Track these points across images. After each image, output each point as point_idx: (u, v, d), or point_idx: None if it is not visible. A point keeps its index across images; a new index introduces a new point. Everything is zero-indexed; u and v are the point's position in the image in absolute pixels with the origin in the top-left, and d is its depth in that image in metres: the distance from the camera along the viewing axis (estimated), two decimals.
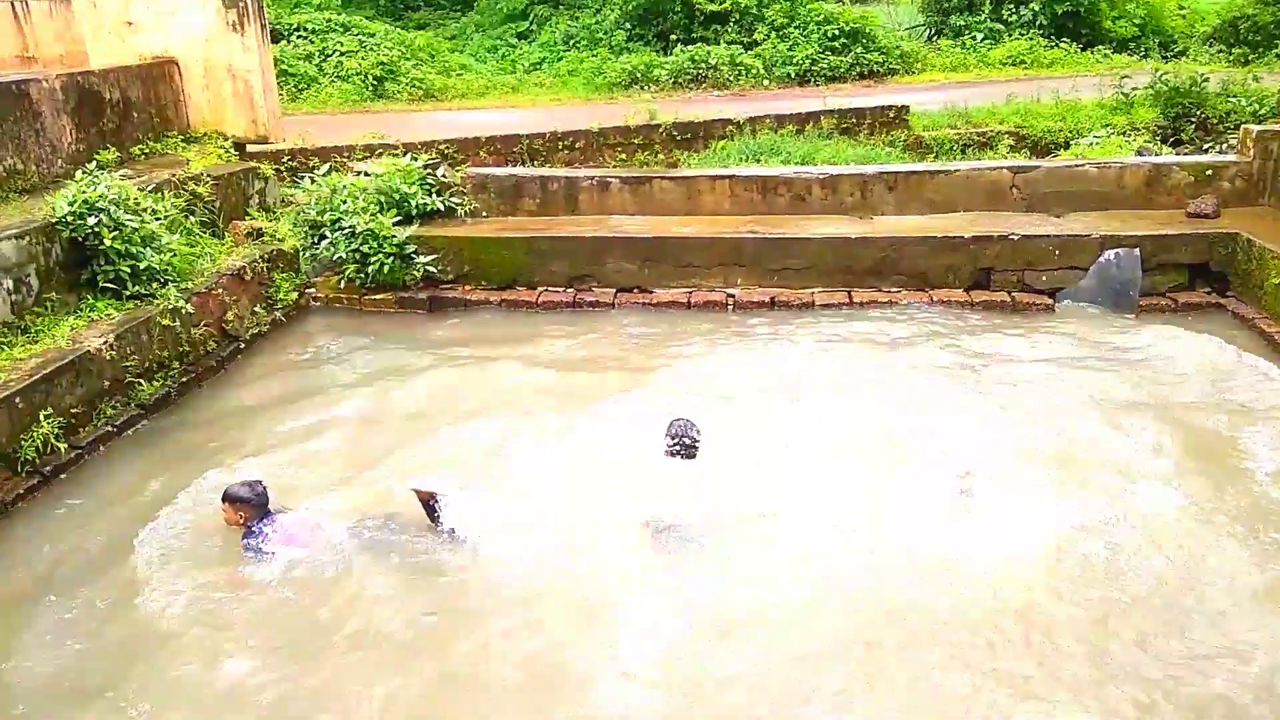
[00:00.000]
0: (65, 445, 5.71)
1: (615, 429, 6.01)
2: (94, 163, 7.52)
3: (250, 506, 4.99)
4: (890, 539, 4.84)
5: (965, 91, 15.98)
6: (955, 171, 8.97)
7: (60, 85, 7.76)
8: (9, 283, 6.15)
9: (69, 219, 6.49)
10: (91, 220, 6.52)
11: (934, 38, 22.62)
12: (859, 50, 19.58)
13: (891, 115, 13.79)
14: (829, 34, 19.68)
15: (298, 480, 5.61)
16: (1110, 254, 7.96)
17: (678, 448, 5.28)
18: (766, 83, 18.97)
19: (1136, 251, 7.90)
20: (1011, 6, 21.56)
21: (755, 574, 4.66)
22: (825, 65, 19.24)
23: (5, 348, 5.93)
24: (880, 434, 5.87)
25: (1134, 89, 14.05)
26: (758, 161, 11.51)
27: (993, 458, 5.49)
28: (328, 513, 5.17)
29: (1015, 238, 8.16)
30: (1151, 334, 7.36)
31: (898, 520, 4.97)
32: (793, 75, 19.15)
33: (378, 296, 8.68)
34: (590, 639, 4.30)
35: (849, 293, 8.36)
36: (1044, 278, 8.17)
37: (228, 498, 5.01)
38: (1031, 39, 20.68)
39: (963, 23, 21.87)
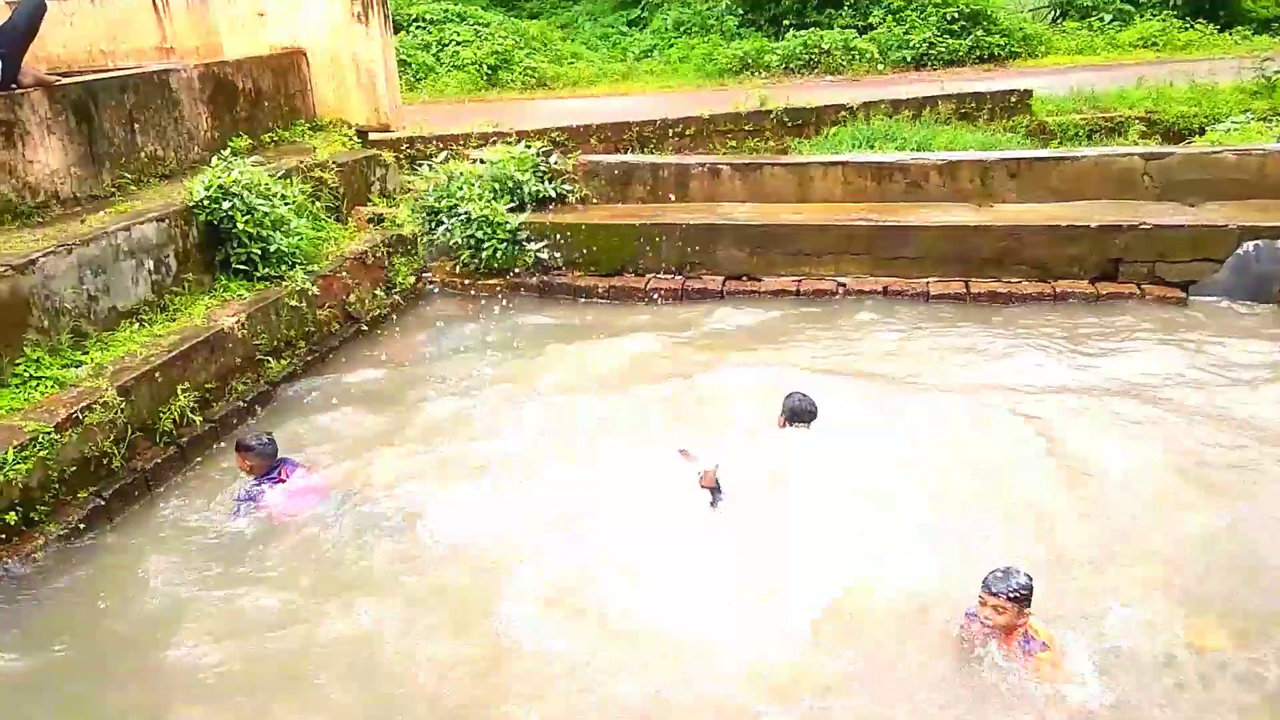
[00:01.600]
0: (200, 418, 6.02)
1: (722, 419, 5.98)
2: (228, 149, 7.88)
3: (255, 456, 5.33)
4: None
5: (1092, 75, 15.29)
6: (1082, 158, 8.59)
7: (198, 75, 8.15)
8: (150, 263, 6.51)
9: (205, 203, 6.83)
10: (226, 205, 6.84)
11: (1059, 20, 21.71)
12: (979, 33, 18.94)
13: (1013, 100, 13.32)
14: (947, 16, 19.08)
15: (412, 458, 5.79)
16: (1249, 245, 7.52)
17: (794, 417, 5.42)
18: (881, 67, 18.55)
19: (1278, 243, 7.44)
20: None
21: None
22: (943, 49, 18.69)
23: (146, 325, 6.28)
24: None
25: (1276, 72, 13.21)
26: (871, 148, 11.29)
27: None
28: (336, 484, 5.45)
29: (1146, 227, 7.78)
30: None
31: None
32: (908, 59, 18.67)
33: (490, 281, 8.86)
34: None
35: (966, 283, 8.13)
36: (1176, 270, 7.77)
37: (238, 446, 5.39)
38: (1164, 20, 19.66)
39: (1090, 3, 20.93)
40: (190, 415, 5.96)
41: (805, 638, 4.12)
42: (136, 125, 7.42)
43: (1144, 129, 12.59)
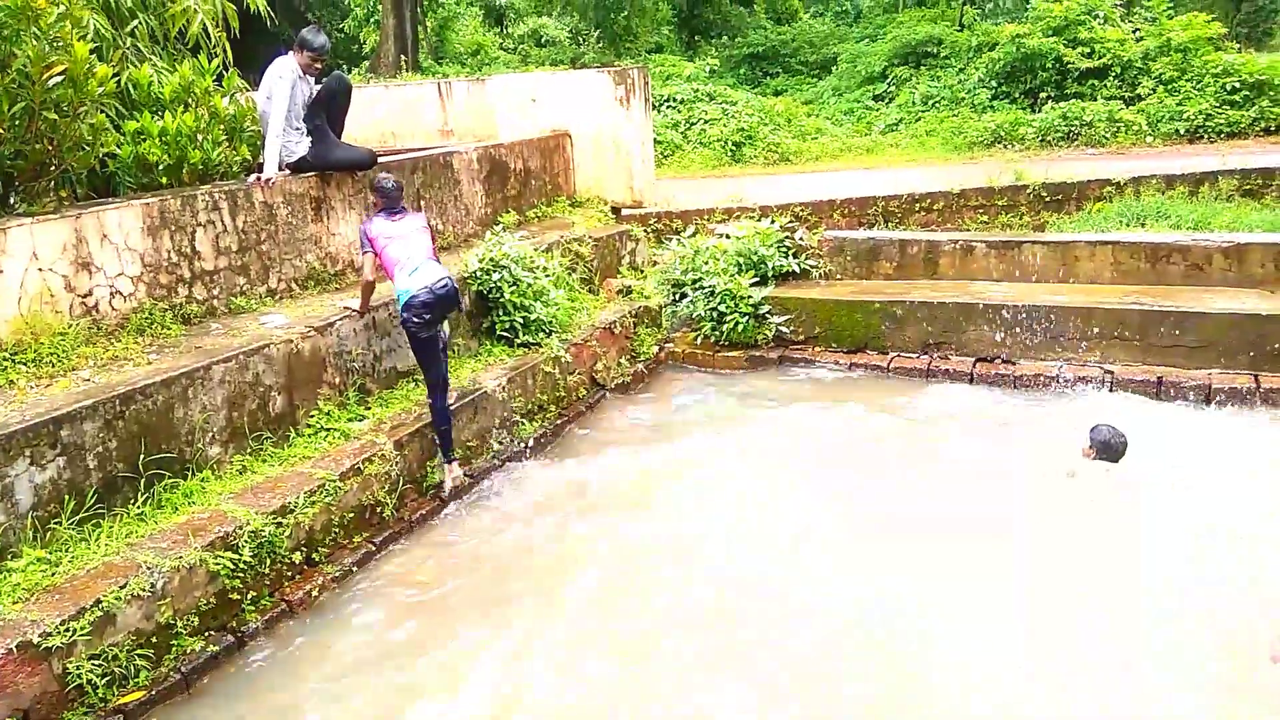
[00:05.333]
0: (463, 471, 6.44)
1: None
2: (498, 225, 8.52)
3: (379, 194, 6.19)
4: None
5: None
6: None
7: (477, 156, 8.90)
8: None
9: (478, 274, 7.39)
10: (495, 276, 7.38)
11: None
12: (1265, 103, 17.33)
13: None
14: (1228, 86, 17.63)
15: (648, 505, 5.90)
16: None
17: (1101, 450, 5.64)
18: (1150, 139, 17.35)
19: None
20: None
21: None
22: (1222, 120, 17.24)
23: (419, 385, 6.78)
24: None
25: None
26: (1141, 226, 10.52)
27: None
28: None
29: None
30: None
31: None
32: (1181, 131, 17.35)
33: (730, 354, 8.97)
34: None
35: (1255, 376, 7.34)
36: None
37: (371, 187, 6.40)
38: None
39: None
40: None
41: None
42: (422, 201, 8.18)
43: None
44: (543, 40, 32.76)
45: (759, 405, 7.97)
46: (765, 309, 8.98)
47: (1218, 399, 7.26)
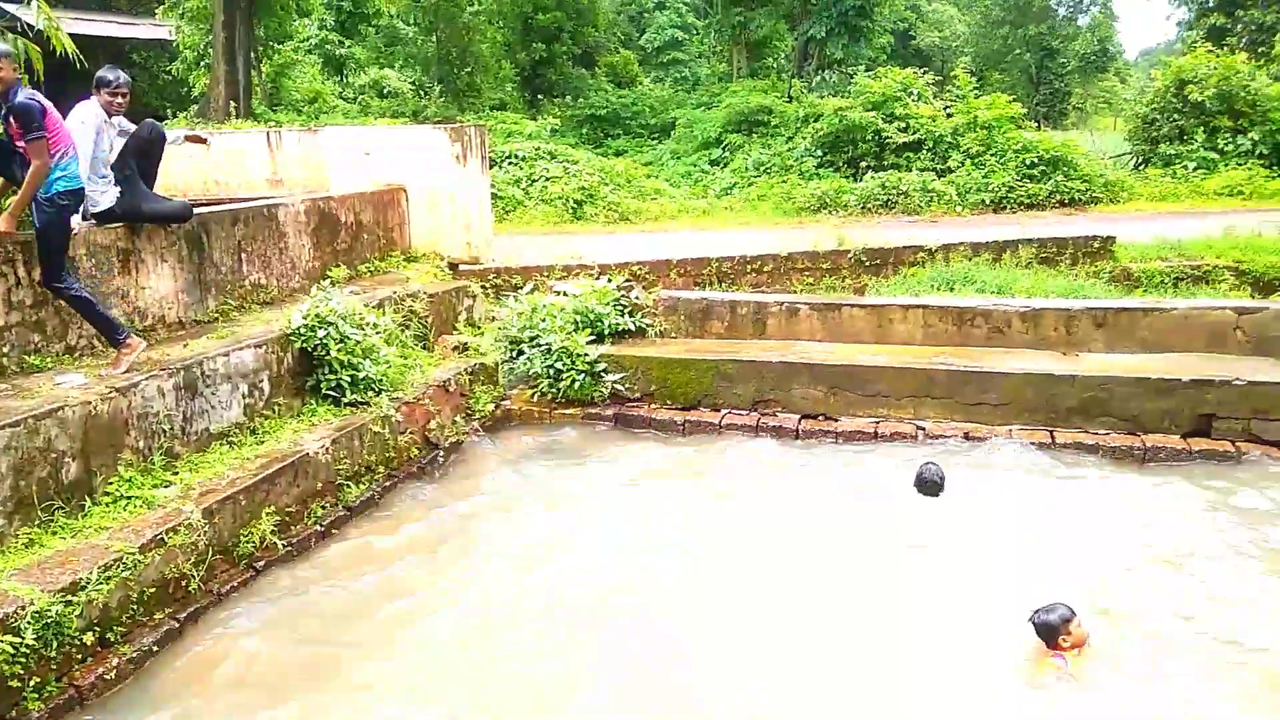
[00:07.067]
0: (281, 541, 6.12)
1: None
2: (327, 279, 8.27)
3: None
4: None
5: (1176, 222, 15.18)
6: (1172, 310, 8.45)
7: (305, 208, 8.64)
8: (244, 387, 6.77)
9: (302, 331, 7.13)
10: (321, 333, 7.14)
11: (1141, 166, 21.76)
12: (1059, 178, 19.08)
13: (1096, 245, 13.25)
14: (1027, 161, 19.31)
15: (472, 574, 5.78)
16: None
17: (923, 487, 6.55)
18: (959, 209, 18.72)
19: None
20: (1228, 136, 20.51)
21: None
22: (1022, 192, 18.83)
23: (236, 446, 6.49)
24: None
25: None
26: (950, 290, 11.26)
27: None
28: None
29: (1240, 383, 7.54)
30: None
31: None
32: (987, 202, 18.83)
33: (567, 411, 8.97)
34: None
35: (1051, 432, 7.93)
36: (1274, 427, 7.47)
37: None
38: (1251, 169, 19.53)
39: (1173, 151, 20.95)
40: (271, 537, 6.07)
41: None
42: (244, 255, 7.86)
43: (1233, 279, 12.36)
44: (385, 92, 32.38)
45: (593, 463, 7.99)
46: (602, 366, 9.05)
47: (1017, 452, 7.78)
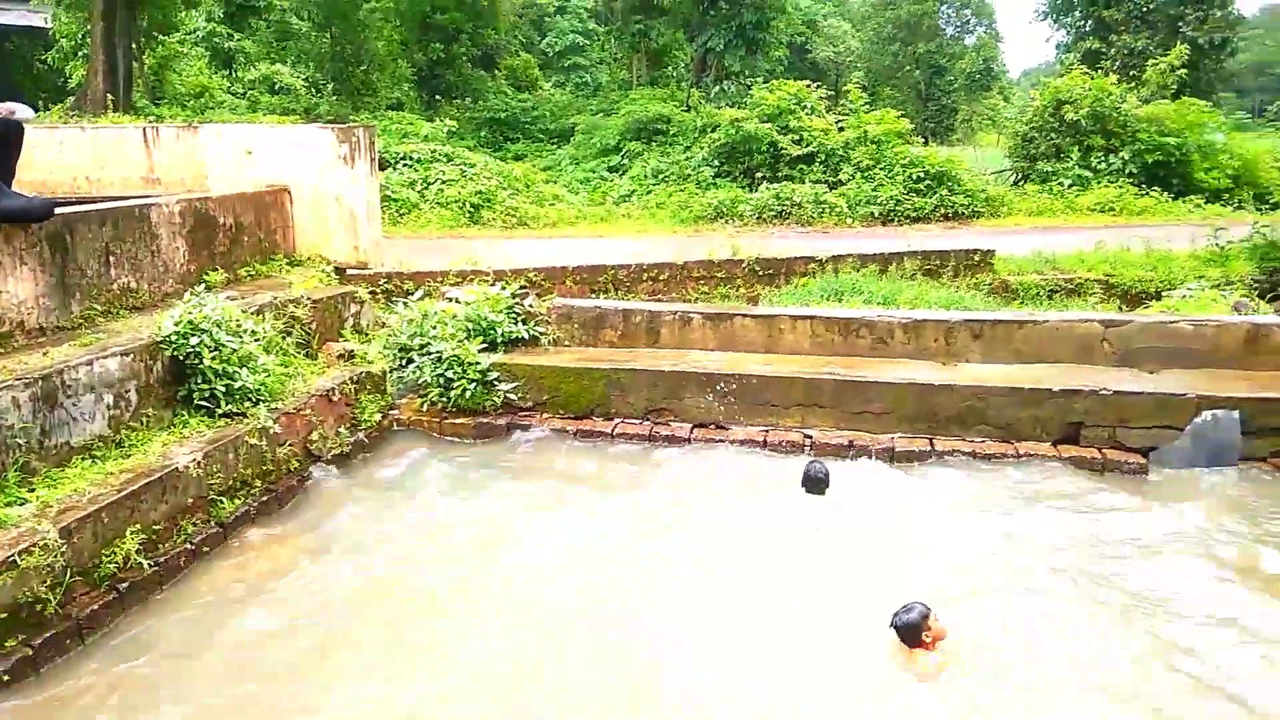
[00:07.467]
0: (148, 561, 5.82)
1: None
2: (202, 284, 7.92)
3: None
4: None
5: (1052, 237, 15.93)
6: (1044, 322, 8.81)
7: (180, 209, 8.26)
8: (109, 398, 6.42)
9: (173, 338, 6.80)
10: (194, 340, 6.82)
11: (1020, 182, 22.76)
12: (944, 192, 19.80)
13: (976, 259, 13.79)
14: (914, 176, 19.97)
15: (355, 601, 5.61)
16: (1208, 415, 7.64)
17: (810, 485, 6.84)
18: (850, 220, 19.23)
19: (1236, 414, 7.57)
20: (1100, 154, 21.63)
21: None
22: (909, 206, 19.46)
23: (99, 461, 6.14)
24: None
25: (1229, 242, 13.80)
26: (839, 300, 11.57)
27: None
28: None
29: (1106, 393, 7.92)
30: (1251, 500, 7.00)
31: None
32: (876, 214, 19.40)
33: (458, 421, 8.82)
34: None
35: (931, 440, 8.17)
36: (1136, 435, 7.87)
37: None
38: (1121, 187, 20.65)
39: (1050, 169, 21.99)
40: (136, 558, 5.76)
41: None
42: (112, 257, 7.46)
43: (1102, 292, 13.03)
44: (276, 88, 31.43)
45: (484, 472, 7.87)
46: (494, 375, 8.93)
47: (899, 460, 8.00)
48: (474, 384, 8.79)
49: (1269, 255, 12.98)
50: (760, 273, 13.62)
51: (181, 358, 6.88)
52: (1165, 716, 4.66)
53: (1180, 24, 29.59)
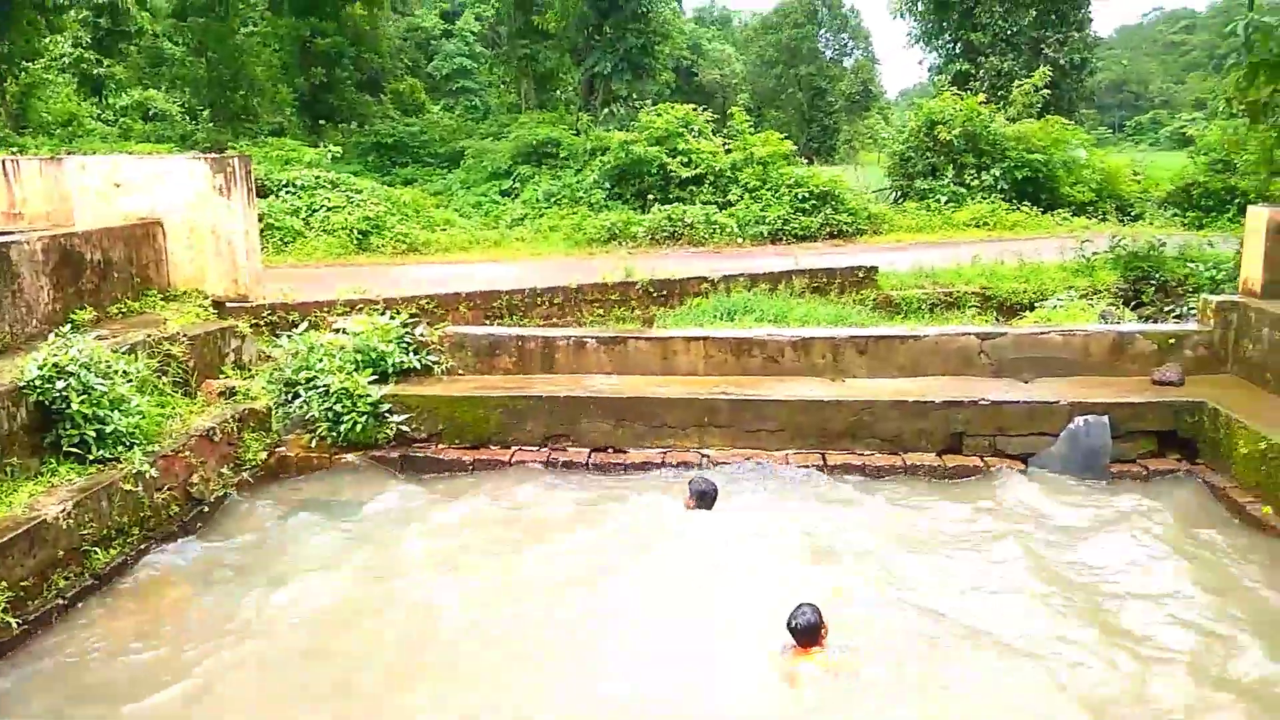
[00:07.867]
0: (15, 620, 5.47)
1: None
2: (69, 324, 7.54)
3: None
4: None
5: (931, 252, 16.54)
6: (924, 337, 9.14)
7: (41, 247, 7.85)
8: None
9: (37, 382, 6.43)
10: (60, 384, 6.46)
11: (900, 200, 23.59)
12: (828, 211, 20.35)
13: (861, 275, 14.21)
14: (800, 195, 20.48)
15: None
16: (1080, 420, 8.03)
17: (699, 499, 6.89)
18: (740, 240, 19.58)
19: (1105, 419, 7.98)
20: (973, 172, 22.60)
21: None
22: (796, 225, 19.94)
23: None
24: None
25: (1094, 253, 14.57)
26: (731, 319, 11.73)
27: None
28: None
29: (985, 403, 8.25)
30: (1124, 502, 7.40)
31: None
32: (765, 234, 19.80)
33: (349, 456, 8.58)
34: None
35: (823, 454, 8.36)
36: (1015, 443, 8.22)
37: None
38: (994, 202, 21.60)
39: (927, 186, 22.86)
40: (3, 616, 5.41)
41: None
42: None
43: (979, 303, 13.59)
44: (150, 114, 30.26)
45: (376, 508, 7.66)
46: (385, 407, 8.72)
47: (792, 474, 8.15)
48: (365, 417, 8.58)
49: (1131, 264, 13.76)
50: (654, 294, 13.73)
51: (48, 403, 6.50)
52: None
53: (1043, 46, 31.24)
